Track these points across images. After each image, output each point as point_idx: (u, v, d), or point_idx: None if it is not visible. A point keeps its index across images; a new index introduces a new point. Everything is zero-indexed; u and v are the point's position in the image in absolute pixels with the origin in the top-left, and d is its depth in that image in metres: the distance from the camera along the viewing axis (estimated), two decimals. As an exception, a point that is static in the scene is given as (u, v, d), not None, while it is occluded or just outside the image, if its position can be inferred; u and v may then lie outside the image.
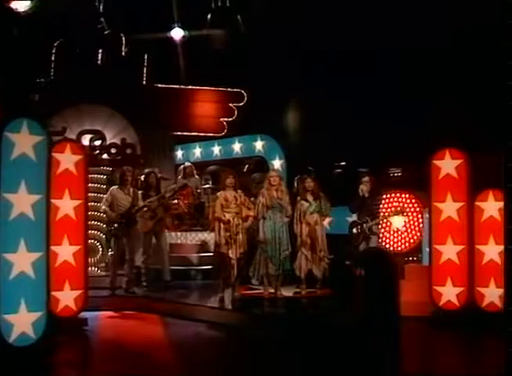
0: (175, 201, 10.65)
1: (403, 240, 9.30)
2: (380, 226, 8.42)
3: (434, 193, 6.93)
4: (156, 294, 8.40)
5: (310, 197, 8.09)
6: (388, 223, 8.94)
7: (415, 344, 5.94)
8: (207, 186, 12.03)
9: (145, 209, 8.48)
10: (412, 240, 9.24)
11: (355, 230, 8.26)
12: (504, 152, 3.63)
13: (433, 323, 6.74)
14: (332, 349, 5.41)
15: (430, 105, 9.84)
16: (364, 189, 8.17)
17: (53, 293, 5.99)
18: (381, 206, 8.56)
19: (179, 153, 12.69)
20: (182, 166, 11.82)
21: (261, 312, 7.29)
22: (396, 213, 8.38)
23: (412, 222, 9.12)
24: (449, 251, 6.77)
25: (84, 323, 6.64)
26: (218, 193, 7.77)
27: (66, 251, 6.43)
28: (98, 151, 10.62)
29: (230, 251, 7.47)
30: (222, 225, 7.54)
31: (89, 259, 7.97)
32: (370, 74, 10.49)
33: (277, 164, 10.89)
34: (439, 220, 6.86)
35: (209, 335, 6.62)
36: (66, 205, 6.44)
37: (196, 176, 11.75)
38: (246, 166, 12.32)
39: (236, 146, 11.72)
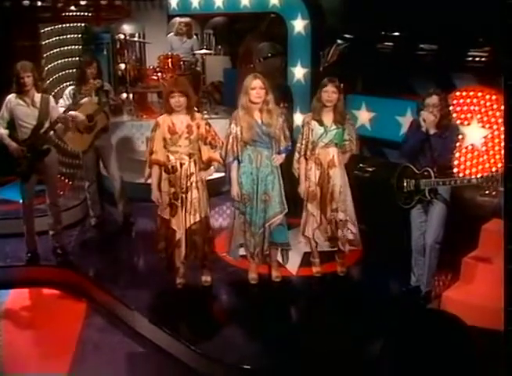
0: (155, 77, 8.43)
1: (477, 163, 6.02)
2: (450, 187, 4.45)
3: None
4: (99, 251, 5.91)
5: (327, 119, 4.80)
6: (459, 137, 5.53)
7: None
8: (205, 51, 9.15)
9: (61, 124, 5.28)
10: (489, 165, 5.93)
11: (405, 184, 4.53)
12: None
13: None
14: None
15: None
16: (429, 119, 4.26)
17: None
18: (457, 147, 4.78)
19: (173, 2, 9.22)
20: (174, 19, 9.11)
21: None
22: (488, 179, 4.16)
23: (494, 137, 5.79)
24: None
25: None
26: (159, 119, 4.62)
27: None
28: (62, 4, 8.44)
29: (174, 220, 4.59)
30: (164, 175, 4.59)
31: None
32: None
33: (299, 26, 7.29)
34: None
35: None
36: None
37: (194, 37, 9.03)
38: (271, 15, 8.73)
39: (244, -2, 8.11)
